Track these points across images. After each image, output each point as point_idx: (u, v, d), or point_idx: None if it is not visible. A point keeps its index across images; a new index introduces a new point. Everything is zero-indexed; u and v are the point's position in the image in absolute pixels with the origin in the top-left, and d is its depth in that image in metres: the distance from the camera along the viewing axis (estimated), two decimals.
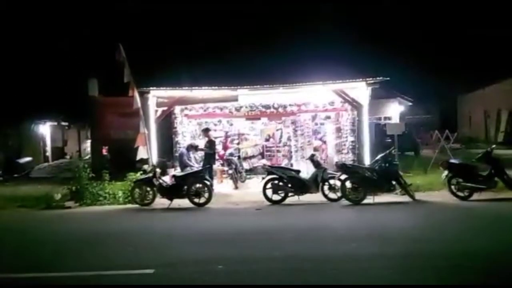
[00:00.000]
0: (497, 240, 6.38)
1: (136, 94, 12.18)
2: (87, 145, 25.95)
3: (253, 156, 16.80)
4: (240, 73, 14.39)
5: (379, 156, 10.98)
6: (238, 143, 16.06)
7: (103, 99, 18.03)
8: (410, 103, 29.52)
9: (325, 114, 15.04)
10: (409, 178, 11.48)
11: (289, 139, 15.94)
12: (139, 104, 12.23)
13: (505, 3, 29.65)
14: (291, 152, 15.77)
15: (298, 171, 11.18)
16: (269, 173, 10.99)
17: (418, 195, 10.47)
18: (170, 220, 9.02)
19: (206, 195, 10.63)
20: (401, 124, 15.47)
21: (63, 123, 24.44)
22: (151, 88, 12.40)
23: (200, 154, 13.58)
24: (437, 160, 14.19)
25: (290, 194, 10.67)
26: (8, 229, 8.81)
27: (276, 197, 10.64)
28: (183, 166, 12.62)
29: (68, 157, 24.03)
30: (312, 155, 11.32)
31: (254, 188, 12.98)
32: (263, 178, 10.99)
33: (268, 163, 14.61)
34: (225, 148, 15.28)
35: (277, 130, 16.85)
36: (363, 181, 10.33)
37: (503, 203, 9.52)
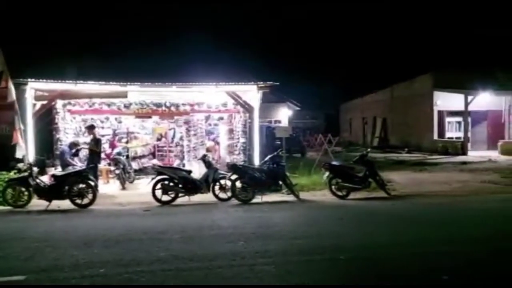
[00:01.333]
0: (369, 233, 7.08)
1: (11, 86, 11.00)
2: None
3: (143, 156, 16.30)
4: (131, 70, 13.82)
5: (267, 158, 11.44)
6: (127, 142, 15.45)
7: None
8: (298, 108, 31.42)
9: (218, 115, 15.23)
10: (295, 179, 12.14)
11: (181, 139, 15.79)
12: (14, 97, 11.07)
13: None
14: (183, 152, 15.62)
15: (189, 172, 11.11)
16: (159, 173, 10.74)
17: (302, 195, 11.11)
18: (47, 223, 8.29)
19: (90, 196, 10.02)
20: (288, 127, 16.31)
21: None
22: (29, 80, 11.30)
23: (84, 153, 12.77)
24: (320, 162, 15.26)
25: (180, 194, 10.56)
26: None
27: (166, 198, 10.45)
28: (65, 165, 11.75)
29: None
30: (204, 156, 11.34)
31: (143, 189, 12.55)
32: (152, 179, 10.69)
33: (159, 163, 14.34)
34: (112, 146, 14.55)
35: (170, 129, 16.60)
36: (252, 181, 10.65)
37: (375, 201, 10.57)
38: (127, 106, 12.89)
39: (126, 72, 12.79)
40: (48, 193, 10.00)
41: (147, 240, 6.60)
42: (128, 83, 12.10)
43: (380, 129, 30.02)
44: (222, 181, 10.86)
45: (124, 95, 12.13)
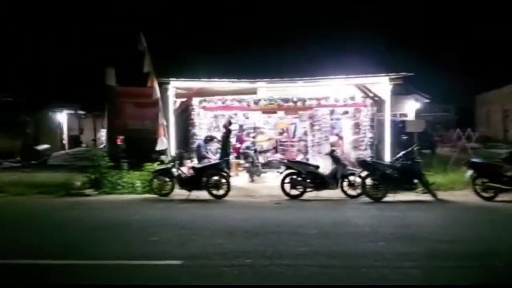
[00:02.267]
0: None
1: (156, 85, 12.15)
2: (102, 134, 26.14)
3: (267, 150, 16.73)
4: (260, 67, 14.22)
5: (401, 153, 10.80)
6: (253, 137, 15.98)
7: (120, 89, 17.99)
8: (428, 100, 29.13)
9: (342, 109, 14.87)
10: (429, 177, 11.28)
11: (305, 134, 15.81)
12: (159, 95, 12.21)
13: None
14: (307, 147, 15.65)
15: (317, 167, 11.05)
16: (288, 167, 10.87)
17: (440, 195, 10.29)
18: (191, 211, 8.95)
19: (225, 187, 10.58)
20: (421, 121, 15.18)
21: (80, 112, 24.59)
22: (170, 79, 12.34)
23: (216, 147, 13.59)
24: (457, 159, 13.98)
25: (308, 189, 10.55)
26: (32, 215, 8.83)
27: (294, 192, 10.54)
28: (201, 157, 12.58)
29: (84, 145, 24.18)
30: (332, 151, 11.17)
31: (270, 182, 12.91)
32: (280, 173, 10.87)
33: (282, 157, 14.49)
34: (240, 141, 15.20)
35: (291, 124, 16.72)
36: (384, 178, 10.17)
37: None
38: (256, 102, 13.31)
39: (255, 69, 13.19)
40: (188, 183, 10.82)
41: (284, 234, 6.70)
42: (258, 80, 12.48)
43: None
44: (351, 178, 10.58)
45: (253, 91, 12.54)
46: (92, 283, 4.72)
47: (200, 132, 14.27)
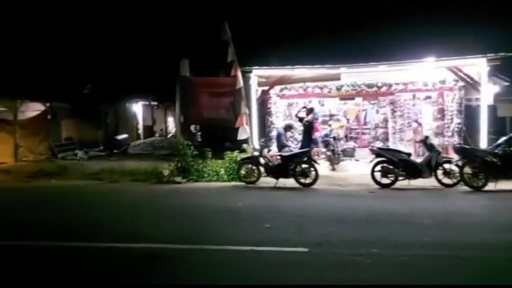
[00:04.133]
0: None
1: (239, 74, 12.23)
2: (170, 123, 26.98)
3: (341, 138, 16.41)
4: (344, 52, 13.89)
5: (501, 140, 10.15)
6: (329, 124, 15.72)
7: (195, 79, 18.38)
8: (508, 83, 27.20)
9: (425, 94, 14.20)
10: None
11: (385, 120, 15.31)
12: (242, 84, 12.29)
13: None
14: (387, 134, 15.16)
15: (409, 154, 10.66)
16: (378, 155, 10.57)
17: None
18: (291, 199, 8.99)
19: (313, 175, 10.49)
20: None
21: (153, 103, 25.48)
22: (253, 67, 12.37)
23: (295, 135, 13.53)
24: None
25: (400, 178, 10.21)
26: (141, 201, 9.22)
27: (385, 181, 10.24)
28: (281, 146, 12.56)
29: (157, 135, 25.09)
30: (426, 137, 10.71)
31: (352, 171, 12.68)
32: (371, 161, 10.60)
33: (372, 144, 14.09)
34: (314, 129, 15.02)
35: (362, 111, 16.21)
36: (485, 166, 9.61)
37: None
38: (338, 88, 13.05)
39: (339, 54, 12.88)
40: (276, 171, 10.85)
41: (397, 223, 6.54)
42: (339, 65, 12.19)
43: None
44: (446, 166, 10.10)
45: (337, 77, 12.28)
46: (229, 268, 4.81)
47: (277, 120, 14.26)
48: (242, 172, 11.20)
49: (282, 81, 12.92)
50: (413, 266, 4.70)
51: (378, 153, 10.65)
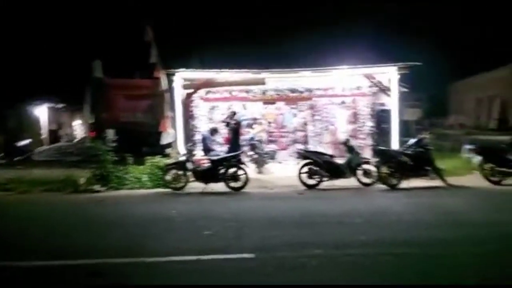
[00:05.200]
0: None
1: (163, 76, 11.86)
2: (77, 127, 25.36)
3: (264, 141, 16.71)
4: (270, 58, 14.19)
5: (412, 141, 11.10)
6: (253, 128, 15.91)
7: (111, 81, 17.46)
8: (406, 90, 29.96)
9: (340, 99, 15.04)
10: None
11: (305, 123, 15.91)
12: (166, 86, 11.94)
13: None
14: (307, 137, 15.76)
15: (332, 156, 11.18)
16: (304, 157, 10.93)
17: (448, 180, 10.60)
18: (225, 204, 8.85)
19: (243, 179, 10.50)
20: (417, 110, 15.65)
21: (59, 105, 23.65)
22: (178, 70, 12.07)
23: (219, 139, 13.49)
24: (453, 147, 14.57)
25: (324, 178, 10.65)
26: (61, 214, 8.47)
27: (311, 182, 10.61)
28: (207, 150, 12.44)
29: (63, 140, 23.31)
30: (347, 140, 11.32)
31: (277, 173, 12.95)
32: (298, 163, 10.91)
33: (301, 147, 14.46)
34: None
35: (280, 114, 16.69)
36: (399, 166, 10.41)
37: None
38: (263, 93, 13.26)
39: (265, 60, 13.14)
40: (205, 176, 10.67)
41: (332, 223, 6.79)
42: (263, 70, 12.42)
43: (499, 110, 27.65)
44: (365, 166, 10.76)
45: (262, 82, 12.46)
46: (179, 280, 4.59)
47: (200, 124, 14.09)
48: (168, 178, 10.83)
49: (207, 84, 12.79)
50: (359, 265, 4.90)
51: (304, 155, 11.02)
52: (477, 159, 10.74)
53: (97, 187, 11.05)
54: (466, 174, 11.60)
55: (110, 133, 15.97)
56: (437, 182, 10.44)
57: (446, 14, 35.72)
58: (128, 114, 16.89)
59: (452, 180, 10.91)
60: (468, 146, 13.34)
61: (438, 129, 19.13)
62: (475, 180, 10.68)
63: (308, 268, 4.81)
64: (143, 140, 15.06)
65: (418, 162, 10.54)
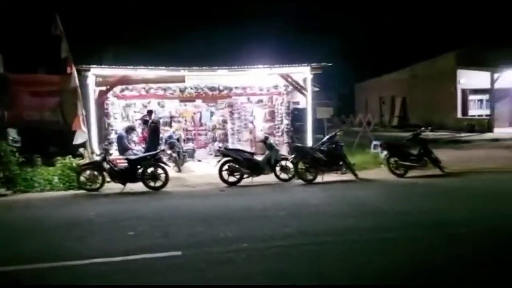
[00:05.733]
0: (461, 209, 7.40)
1: (74, 72, 11.21)
2: None
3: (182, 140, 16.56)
4: (186, 55, 14.05)
5: (325, 138, 11.77)
6: (170, 126, 15.70)
7: (13, 76, 16.00)
8: (317, 89, 31.52)
9: (258, 97, 15.45)
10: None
11: (224, 121, 16.07)
12: (77, 83, 11.30)
13: None
14: (227, 135, 15.94)
15: (252, 153, 11.45)
16: (225, 155, 11.06)
17: (359, 174, 11.43)
18: (147, 204, 8.64)
19: (163, 178, 10.34)
20: (330, 108, 16.57)
21: None
22: (92, 66, 11.49)
23: (136, 138, 13.15)
24: (359, 143, 15.69)
25: (245, 175, 10.88)
26: None
27: (232, 179, 10.78)
28: (123, 149, 12.06)
29: None
30: (266, 138, 11.65)
31: (197, 171, 12.94)
32: (218, 161, 11.01)
33: (220, 145, 14.58)
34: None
35: (197, 112, 16.69)
36: (315, 162, 10.99)
37: (436, 179, 10.84)
38: (182, 91, 13.13)
39: (184, 58, 13.00)
40: (122, 176, 10.31)
41: (257, 218, 6.98)
42: (180, 68, 12.33)
43: (400, 109, 30.33)
44: (283, 162, 11.19)
45: (182, 79, 12.35)
46: (107, 281, 4.43)
47: (115, 122, 13.59)
48: (83, 179, 10.30)
49: (122, 81, 12.33)
50: (285, 255, 5.13)
51: (225, 153, 11.14)
52: (383, 154, 11.67)
53: (2, 190, 10.17)
54: (374, 168, 12.52)
55: (12, 132, 14.74)
56: (348, 176, 11.18)
57: (354, 20, 38.22)
58: (34, 112, 15.63)
59: (362, 173, 11.76)
60: (375, 142, 14.48)
61: (348, 127, 20.43)
62: (382, 173, 11.61)
63: (236, 262, 4.93)
64: (50, 140, 14.10)
65: (331, 158, 11.21)
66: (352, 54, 37.88)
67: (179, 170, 12.92)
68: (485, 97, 24.05)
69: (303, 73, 12.82)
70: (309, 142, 12.89)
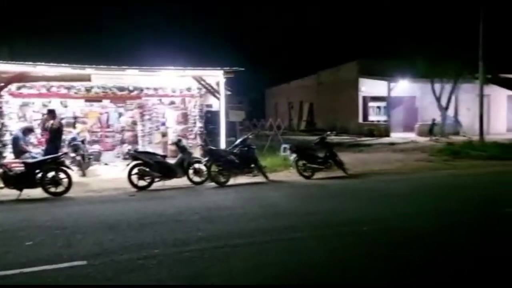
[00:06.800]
0: (365, 208, 7.95)
1: None
2: None
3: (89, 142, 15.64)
4: (94, 54, 13.27)
5: (238, 141, 11.92)
6: (74, 127, 14.74)
7: None
8: (229, 93, 31.85)
9: (170, 99, 15.15)
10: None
11: (134, 123, 15.46)
12: None
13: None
14: (137, 137, 15.35)
15: (164, 156, 11.19)
16: (134, 158, 10.65)
17: (270, 176, 11.73)
18: (44, 211, 7.93)
19: (65, 183, 9.64)
20: (242, 112, 16.81)
21: None
22: None
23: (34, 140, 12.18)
24: (270, 146, 16.16)
25: (156, 179, 10.59)
26: None
27: (142, 183, 10.42)
28: (19, 152, 11.09)
29: None
30: (179, 140, 11.46)
31: (103, 175, 12.32)
32: (127, 165, 10.57)
33: (130, 148, 13.95)
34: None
35: (104, 113, 15.92)
36: (228, 164, 11.05)
37: (340, 180, 11.55)
38: (88, 90, 12.39)
39: (91, 56, 12.29)
40: (19, 181, 9.42)
41: (169, 222, 6.82)
42: (87, 66, 11.67)
43: (307, 113, 31.80)
44: (196, 165, 11.10)
45: (88, 78, 11.65)
46: None
47: (10, 122, 12.43)
48: None
49: (20, 78, 11.30)
50: (198, 259, 5.06)
51: (135, 156, 10.73)
52: (292, 157, 12.12)
53: None
54: (284, 170, 12.93)
55: None
56: (260, 178, 11.41)
57: (264, 28, 39.32)
58: None
59: (272, 176, 12.11)
60: (284, 145, 15.00)
61: (259, 130, 20.91)
62: (291, 175, 12.06)
63: (147, 269, 4.76)
64: None
65: (244, 161, 11.37)
66: (262, 61, 39.03)
67: (84, 174, 12.18)
68: (383, 104, 26.16)
69: (216, 76, 12.85)
70: (222, 145, 12.94)
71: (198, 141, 14.65)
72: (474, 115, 22.02)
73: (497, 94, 25.47)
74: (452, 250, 5.51)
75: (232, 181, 10.92)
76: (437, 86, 23.25)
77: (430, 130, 22.78)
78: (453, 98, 23.76)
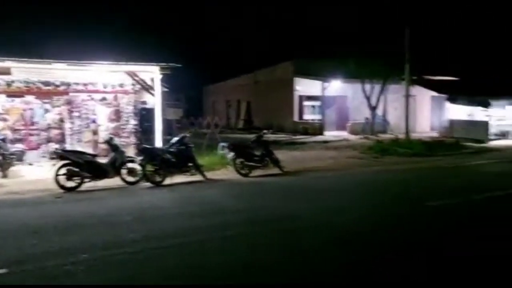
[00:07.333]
0: (302, 205, 8.11)
1: None
2: None
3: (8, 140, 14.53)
4: (16, 46, 12.30)
5: (174, 139, 11.66)
6: None
7: None
8: (166, 89, 31.15)
9: (101, 95, 14.48)
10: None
11: (61, 120, 14.57)
12: None
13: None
14: (64, 135, 14.49)
15: (94, 155, 10.67)
16: (62, 158, 10.05)
17: (207, 175, 11.63)
18: None
19: None
20: (179, 110, 16.49)
21: None
22: None
23: None
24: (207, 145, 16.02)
25: (86, 180, 10.08)
26: None
27: (70, 184, 9.86)
28: None
29: None
30: (110, 138, 10.98)
31: (27, 176, 11.53)
32: (54, 164, 9.94)
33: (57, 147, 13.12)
34: None
35: (28, 109, 14.92)
36: (164, 164, 10.77)
37: (276, 178, 11.70)
38: (9, 84, 11.47)
39: (12, 48, 11.37)
40: None
41: (100, 225, 6.49)
42: (6, 58, 10.80)
43: (245, 112, 31.93)
44: (130, 165, 10.71)
45: (7, 71, 10.79)
46: None
47: None
48: None
49: None
50: (129, 262, 4.87)
51: (62, 155, 10.12)
52: (230, 155, 12.08)
53: None
54: (222, 168, 12.87)
55: None
56: (197, 177, 11.25)
57: (200, 25, 38.93)
58: None
59: (210, 174, 11.98)
60: (222, 144, 14.90)
61: (196, 128, 20.58)
62: (229, 173, 12.04)
63: (74, 275, 4.48)
64: None
65: (180, 159, 11.14)
66: (200, 58, 38.66)
67: (5, 175, 11.30)
68: (317, 103, 26.90)
69: (151, 72, 12.47)
70: (158, 143, 12.59)
71: (132, 139, 14.17)
72: (401, 114, 23.33)
73: (422, 95, 27.17)
74: (380, 244, 5.76)
75: (168, 180, 10.66)
76: (367, 87, 24.37)
77: (363, 128, 23.93)
78: (382, 98, 25.00)
